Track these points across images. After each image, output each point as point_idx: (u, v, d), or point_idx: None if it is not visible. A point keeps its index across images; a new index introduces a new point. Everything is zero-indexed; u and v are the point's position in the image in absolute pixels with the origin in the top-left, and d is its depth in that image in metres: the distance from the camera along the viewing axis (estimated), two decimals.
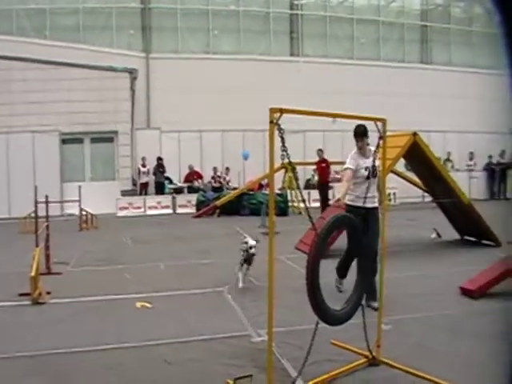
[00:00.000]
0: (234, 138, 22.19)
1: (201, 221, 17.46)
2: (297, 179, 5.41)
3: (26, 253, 9.16)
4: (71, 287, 8.33)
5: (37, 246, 8.50)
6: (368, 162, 6.50)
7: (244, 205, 18.91)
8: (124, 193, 20.73)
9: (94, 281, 8.90)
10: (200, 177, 21.97)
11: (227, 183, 21.57)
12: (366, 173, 6.47)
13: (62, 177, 20.68)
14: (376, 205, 6.60)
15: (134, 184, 21.79)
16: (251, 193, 19.08)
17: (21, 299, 7.61)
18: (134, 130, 22.01)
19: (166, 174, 21.72)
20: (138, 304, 7.28)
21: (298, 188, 5.42)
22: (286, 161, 4.39)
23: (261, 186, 20.00)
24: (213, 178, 21.73)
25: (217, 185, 21.50)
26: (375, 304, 6.46)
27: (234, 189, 20.26)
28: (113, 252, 11.30)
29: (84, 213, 15.73)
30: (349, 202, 6.65)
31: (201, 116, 22.08)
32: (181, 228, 15.49)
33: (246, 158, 20.36)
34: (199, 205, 19.47)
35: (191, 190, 21.51)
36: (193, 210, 19.58)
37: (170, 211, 20.05)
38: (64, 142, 21.08)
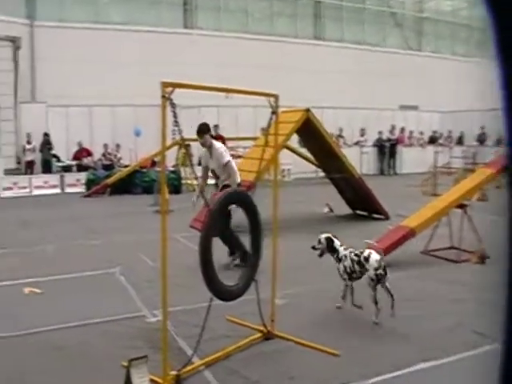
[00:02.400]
0: (125, 113, 21.48)
1: (91, 200, 17.09)
2: (190, 156, 5.54)
3: None
4: None
5: None
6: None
7: (136, 183, 18.62)
8: (8, 172, 19.56)
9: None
10: (90, 154, 21.25)
11: (118, 161, 20.99)
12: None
13: None
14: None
15: (19, 162, 20.71)
16: (143, 170, 18.72)
17: None
18: (18, 103, 20.79)
19: (54, 152, 20.81)
20: (26, 290, 7.07)
21: (192, 165, 5.35)
22: (179, 137, 4.37)
23: (154, 164, 19.47)
24: (103, 155, 21.12)
25: (107, 162, 20.88)
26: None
27: (126, 166, 19.69)
28: None
29: None
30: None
31: (90, 90, 21.19)
32: (70, 208, 15.15)
33: (137, 134, 19.50)
34: (89, 184, 18.93)
35: (81, 168, 20.69)
36: (82, 190, 18.91)
37: (58, 191, 19.21)
38: None
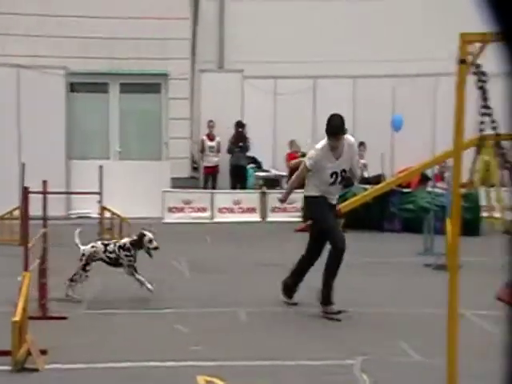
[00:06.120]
0: (372, 89, 15.52)
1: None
2: (509, 166, 3.86)
3: (6, 279, 7.44)
4: (84, 343, 6.20)
5: (26, 268, 6.34)
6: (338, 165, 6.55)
7: (391, 212, 13.71)
8: (177, 183, 15.42)
9: (123, 333, 6.64)
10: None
11: (361, 173, 14.40)
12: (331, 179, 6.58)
13: (68, 150, 15.17)
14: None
15: (195, 168, 16.57)
16: (406, 191, 13.87)
17: None
18: (197, 71, 16.13)
19: (252, 154, 15.67)
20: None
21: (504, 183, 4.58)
22: (489, 132, 3.63)
23: (425, 180, 14.09)
24: None
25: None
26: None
27: (375, 183, 13.60)
28: (156, 285, 8.36)
29: (107, 215, 12.48)
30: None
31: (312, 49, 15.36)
32: (274, 248, 11.62)
33: (397, 127, 14.13)
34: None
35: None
36: (296, 219, 13.77)
37: (256, 218, 14.56)
38: (73, 87, 15.34)
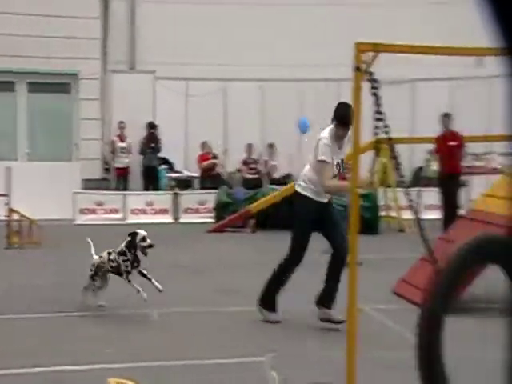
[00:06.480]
0: (282, 93, 16.00)
1: (223, 238, 13.02)
2: (398, 167, 4.36)
3: None
4: None
5: None
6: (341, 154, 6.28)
7: None
8: (89, 184, 15.52)
9: (24, 339, 6.44)
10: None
11: (270, 174, 15.38)
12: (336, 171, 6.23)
13: None
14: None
15: (107, 169, 16.41)
16: None
17: None
18: (108, 72, 16.15)
19: (163, 155, 15.67)
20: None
21: (402, 184, 4.89)
22: (382, 136, 3.96)
23: None
24: (244, 163, 15.50)
25: (251, 175, 15.25)
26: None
27: (283, 184, 14.39)
28: (66, 289, 8.46)
29: (16, 217, 12.25)
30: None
31: (226, 53, 15.67)
32: (188, 250, 11.76)
33: (303, 130, 14.41)
34: (220, 210, 13.92)
35: (206, 183, 15.30)
36: (209, 220, 13.97)
37: (168, 219, 14.55)
38: None
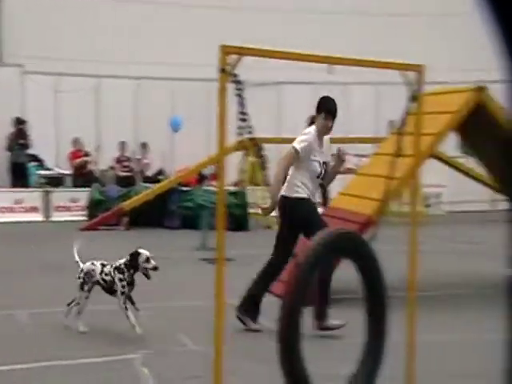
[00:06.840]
0: (157, 92, 15.89)
1: (96, 236, 12.31)
2: (264, 166, 4.81)
3: None
4: None
5: None
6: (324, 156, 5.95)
7: (171, 210, 13.69)
8: None
9: None
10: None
11: (143, 172, 14.99)
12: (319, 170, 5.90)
13: None
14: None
15: None
16: (184, 189, 13.91)
17: None
18: None
19: (32, 152, 14.99)
20: None
21: (267, 182, 5.07)
22: (248, 136, 4.17)
23: (201, 179, 14.75)
24: (118, 161, 14.94)
25: (124, 173, 14.77)
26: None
27: (156, 181, 14.43)
28: None
29: None
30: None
31: (98, 49, 15.43)
32: (58, 249, 10.65)
33: (175, 129, 14.65)
34: (93, 208, 13.69)
35: (79, 181, 14.94)
36: (82, 218, 13.69)
37: (39, 217, 14.19)
38: None
